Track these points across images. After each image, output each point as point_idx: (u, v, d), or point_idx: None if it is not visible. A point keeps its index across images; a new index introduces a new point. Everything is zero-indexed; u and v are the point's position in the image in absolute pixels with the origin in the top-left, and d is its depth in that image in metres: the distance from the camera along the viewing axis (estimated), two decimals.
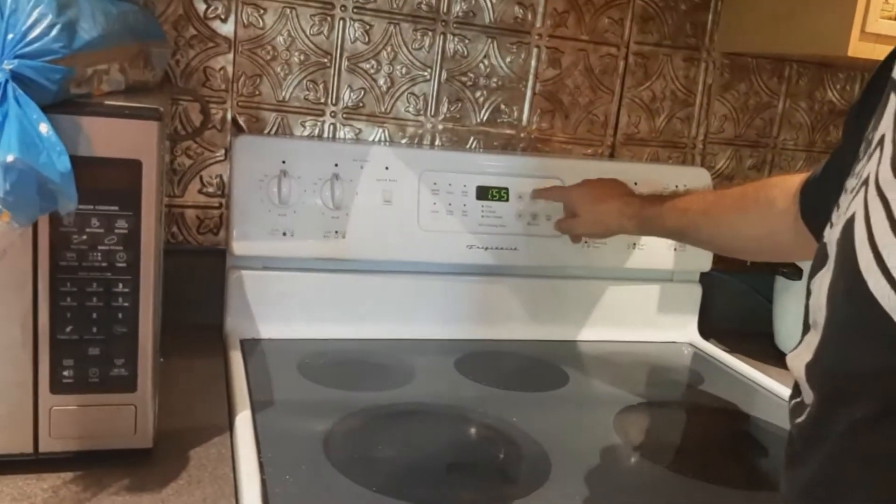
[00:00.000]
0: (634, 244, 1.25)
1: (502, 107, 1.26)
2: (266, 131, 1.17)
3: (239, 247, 1.09)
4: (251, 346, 1.09)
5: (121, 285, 0.72)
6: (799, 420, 0.57)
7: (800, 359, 0.57)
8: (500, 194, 1.19)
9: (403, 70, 1.21)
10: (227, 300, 1.12)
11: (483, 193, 1.18)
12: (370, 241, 1.13)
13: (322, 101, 1.18)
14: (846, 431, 0.50)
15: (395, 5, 1.18)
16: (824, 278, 0.54)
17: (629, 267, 1.26)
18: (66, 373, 0.72)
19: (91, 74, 0.70)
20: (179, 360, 0.99)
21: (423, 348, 1.17)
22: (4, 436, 0.73)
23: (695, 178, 1.27)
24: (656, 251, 1.26)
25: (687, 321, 1.33)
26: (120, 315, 0.72)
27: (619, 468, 0.92)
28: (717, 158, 1.39)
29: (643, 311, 1.31)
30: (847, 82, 1.41)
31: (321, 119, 1.19)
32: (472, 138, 1.26)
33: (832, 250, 0.54)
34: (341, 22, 1.16)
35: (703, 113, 1.36)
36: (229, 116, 1.15)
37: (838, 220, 0.54)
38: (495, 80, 1.25)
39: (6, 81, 0.60)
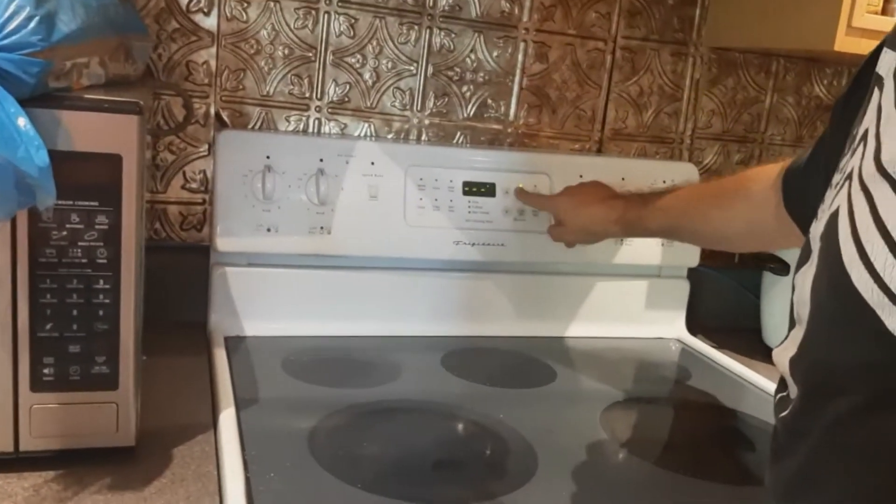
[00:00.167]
0: (622, 240, 1.25)
1: (489, 101, 1.26)
2: (250, 126, 1.16)
3: (223, 243, 1.08)
4: (235, 344, 1.08)
5: (101, 282, 0.71)
6: (784, 414, 0.57)
7: (785, 353, 0.57)
8: (486, 190, 1.18)
9: (389, 64, 1.20)
10: (211, 297, 1.11)
11: (470, 189, 1.18)
12: (356, 236, 1.13)
13: (307, 95, 1.17)
14: (830, 425, 0.50)
15: None
16: (808, 273, 0.54)
17: (616, 263, 1.26)
18: (46, 370, 0.71)
19: (70, 68, 0.69)
20: (163, 358, 0.98)
21: (409, 345, 1.16)
22: None
23: (682, 173, 1.27)
24: (643, 247, 1.26)
25: (674, 317, 1.33)
26: (101, 312, 0.71)
27: (606, 464, 0.92)
28: (705, 153, 1.38)
29: (631, 307, 1.30)
30: (834, 77, 1.42)
31: (306, 114, 1.18)
32: (458, 133, 1.26)
33: (816, 245, 0.54)
34: (326, 16, 1.15)
35: (691, 108, 1.36)
36: (213, 111, 1.14)
37: (823, 214, 0.54)
38: (482, 74, 1.24)
39: None
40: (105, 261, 0.70)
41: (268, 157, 1.09)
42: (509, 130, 1.28)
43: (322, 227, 1.11)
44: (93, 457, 0.75)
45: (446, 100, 1.24)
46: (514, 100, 1.27)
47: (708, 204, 1.00)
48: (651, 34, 1.30)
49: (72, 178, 0.67)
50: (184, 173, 1.15)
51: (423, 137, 1.24)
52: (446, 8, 1.20)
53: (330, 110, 1.19)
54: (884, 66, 0.53)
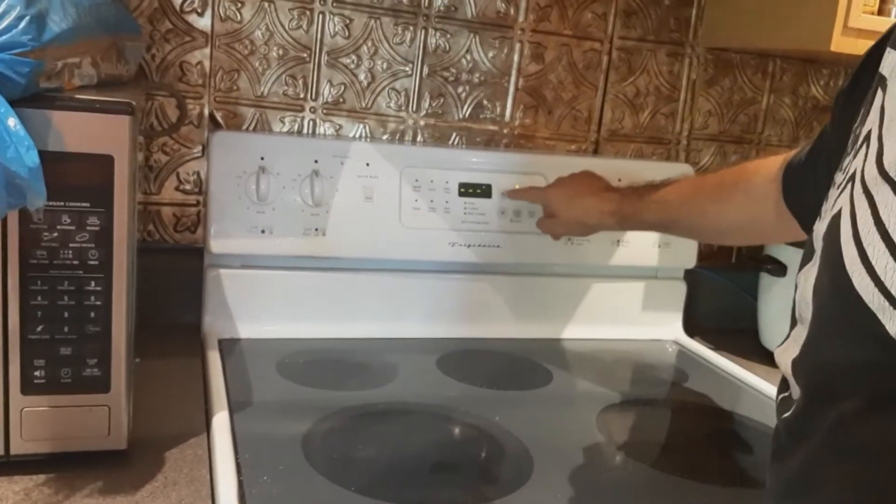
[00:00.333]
0: (618, 241, 1.24)
1: (485, 102, 1.25)
2: (244, 127, 1.16)
3: (217, 245, 1.08)
4: (229, 346, 1.07)
5: (93, 283, 0.70)
6: (786, 415, 0.57)
7: (787, 353, 0.57)
8: (482, 191, 1.18)
9: (384, 65, 1.19)
10: (205, 299, 1.10)
11: (465, 190, 1.17)
12: (351, 238, 1.12)
13: (301, 96, 1.17)
14: (832, 426, 0.50)
15: None
16: (810, 272, 0.54)
17: (613, 264, 1.25)
18: (37, 373, 0.71)
19: (61, 68, 0.68)
20: (156, 361, 0.98)
21: (404, 347, 1.16)
22: None
23: (679, 174, 1.25)
24: (640, 248, 1.26)
25: (671, 318, 1.32)
26: (92, 314, 0.71)
27: (603, 466, 0.91)
28: (702, 154, 1.38)
29: (627, 308, 1.30)
30: (831, 78, 1.41)
31: (300, 115, 1.18)
32: (454, 134, 1.25)
33: (818, 245, 0.54)
34: (321, 16, 1.15)
35: (688, 108, 1.35)
36: (206, 112, 1.14)
37: (826, 214, 0.54)
38: (478, 75, 1.24)
39: None
40: (96, 262, 0.70)
41: (262, 159, 1.08)
42: (505, 131, 1.27)
43: (317, 229, 1.10)
44: (84, 460, 0.74)
45: (442, 100, 1.23)
46: (509, 100, 1.26)
47: (706, 197, 0.99)
48: (647, 35, 1.30)
49: (63, 178, 0.66)
50: (177, 175, 1.14)
51: (419, 138, 1.24)
52: (441, 8, 1.20)
53: (325, 111, 1.18)
54: (887, 66, 0.52)
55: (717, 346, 1.29)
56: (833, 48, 1.04)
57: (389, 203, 1.13)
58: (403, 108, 1.22)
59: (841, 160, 0.57)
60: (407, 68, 1.21)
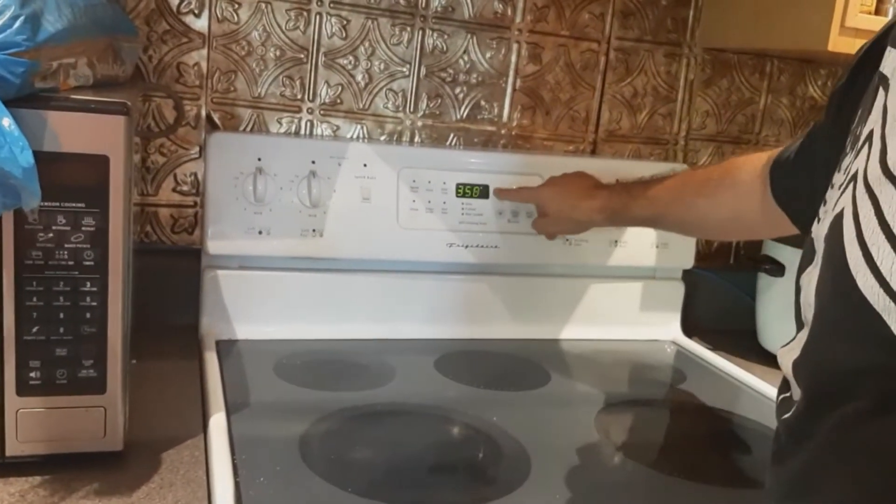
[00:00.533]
0: (616, 241, 1.24)
1: (482, 103, 1.25)
2: (241, 128, 1.15)
3: (214, 246, 1.07)
4: (227, 347, 1.07)
5: (88, 284, 0.70)
6: (786, 416, 0.57)
7: (789, 355, 0.56)
8: (480, 192, 1.18)
9: (382, 66, 1.19)
10: (203, 300, 1.10)
11: (463, 191, 1.17)
12: (348, 239, 1.12)
13: (299, 97, 1.17)
14: (834, 428, 0.50)
15: (372, 0, 1.16)
16: (812, 274, 0.54)
17: (611, 265, 1.25)
18: (32, 374, 0.70)
19: (57, 68, 0.68)
20: (153, 362, 0.98)
21: (402, 348, 1.15)
22: None
23: None
24: (638, 249, 1.25)
25: (669, 319, 1.32)
26: (88, 315, 0.71)
27: (601, 467, 0.91)
28: (699, 155, 1.38)
29: (625, 309, 1.30)
30: (828, 78, 1.41)
31: (298, 116, 1.17)
32: (451, 135, 1.25)
33: (820, 246, 0.53)
34: (318, 17, 1.15)
35: (685, 109, 1.35)
36: (203, 113, 1.13)
37: (825, 215, 0.54)
38: (475, 75, 1.24)
39: None
40: (92, 263, 0.70)
41: (259, 160, 1.08)
42: (503, 132, 1.27)
43: (314, 230, 1.10)
44: (80, 462, 0.74)
45: (439, 101, 1.23)
46: (507, 101, 1.26)
47: (693, 192, 1.00)
48: (645, 35, 1.30)
49: (58, 179, 0.66)
50: (175, 176, 1.14)
51: (416, 139, 1.24)
52: (439, 9, 1.20)
53: (322, 112, 1.18)
54: (889, 65, 0.52)
55: (715, 347, 1.29)
56: (831, 48, 1.04)
57: (387, 204, 1.13)
58: (401, 108, 1.22)
59: (839, 160, 0.57)
60: (404, 69, 1.20)
